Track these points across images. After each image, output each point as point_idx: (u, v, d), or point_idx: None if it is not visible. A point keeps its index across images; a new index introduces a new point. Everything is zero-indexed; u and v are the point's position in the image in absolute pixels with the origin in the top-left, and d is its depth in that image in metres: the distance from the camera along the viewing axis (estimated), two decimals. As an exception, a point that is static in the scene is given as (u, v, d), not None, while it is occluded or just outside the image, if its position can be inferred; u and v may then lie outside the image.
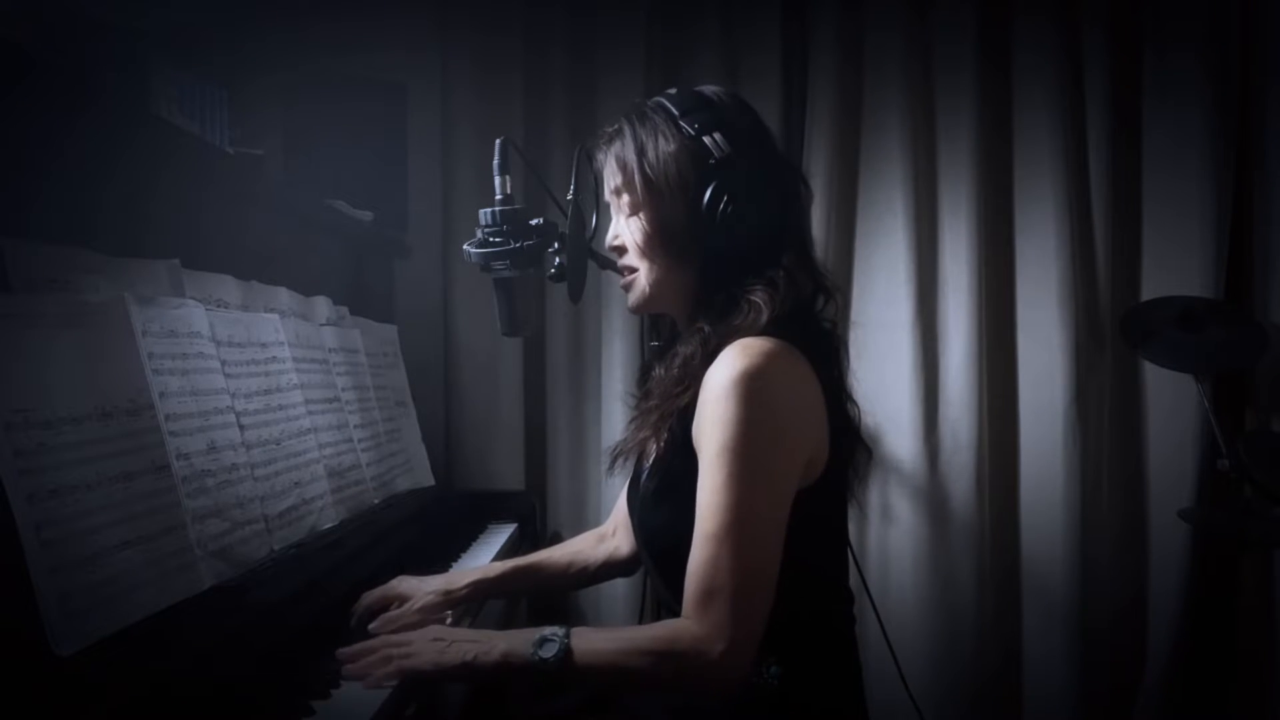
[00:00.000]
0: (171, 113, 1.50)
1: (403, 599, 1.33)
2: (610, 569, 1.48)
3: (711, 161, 1.14)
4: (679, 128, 1.16)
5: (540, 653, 1.05)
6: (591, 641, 1.06)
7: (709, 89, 1.24)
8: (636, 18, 2.34)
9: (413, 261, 2.30)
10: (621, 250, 1.24)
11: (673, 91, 1.21)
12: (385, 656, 1.10)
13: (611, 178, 1.22)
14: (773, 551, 1.05)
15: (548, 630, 1.07)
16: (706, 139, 1.15)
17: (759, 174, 1.16)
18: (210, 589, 1.06)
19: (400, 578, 1.39)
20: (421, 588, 1.35)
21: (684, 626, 1.04)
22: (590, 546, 1.50)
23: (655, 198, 1.17)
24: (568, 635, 1.06)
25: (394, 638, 1.15)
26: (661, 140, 1.17)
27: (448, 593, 1.35)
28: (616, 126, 1.22)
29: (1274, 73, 2.26)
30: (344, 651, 1.12)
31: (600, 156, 1.24)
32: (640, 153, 1.18)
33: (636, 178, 1.18)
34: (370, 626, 1.27)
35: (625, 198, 1.21)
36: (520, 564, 1.47)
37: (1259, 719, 2.29)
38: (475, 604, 1.42)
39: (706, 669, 1.02)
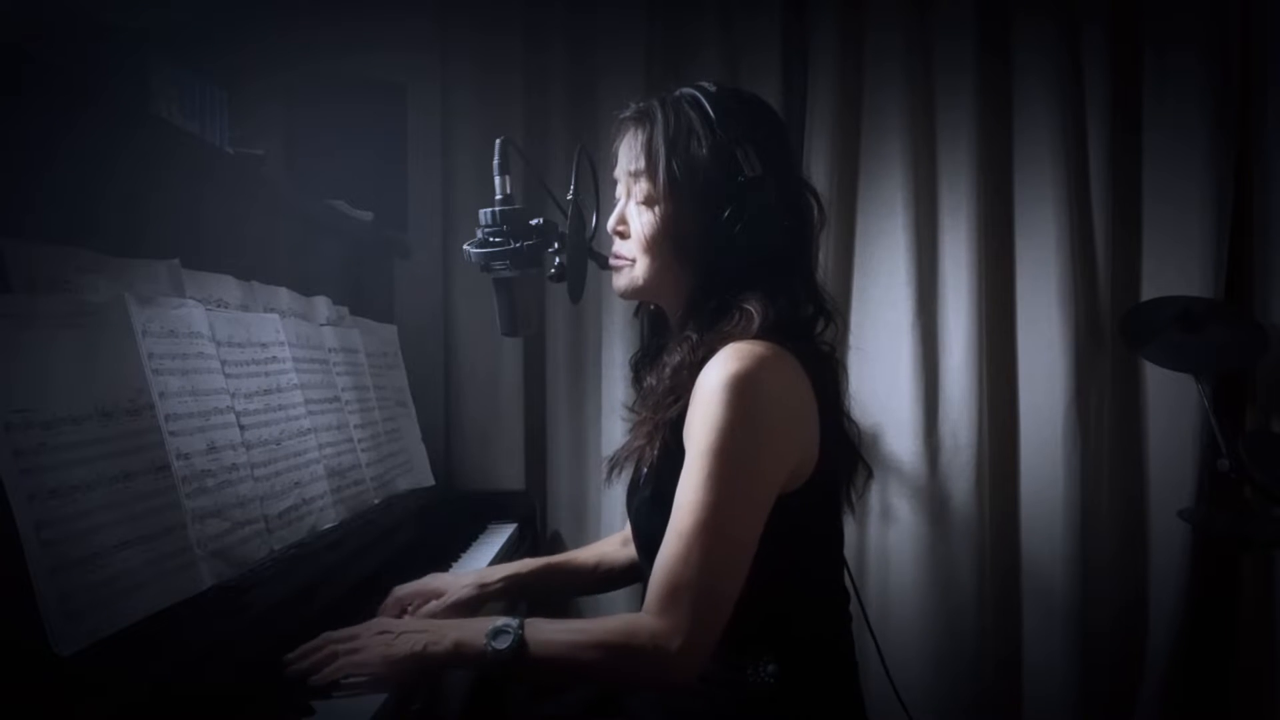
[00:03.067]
0: (171, 113, 1.50)
1: (437, 594, 1.33)
2: (635, 571, 1.48)
3: (740, 179, 1.13)
4: (714, 133, 1.14)
5: (494, 644, 1.04)
6: (546, 633, 1.06)
7: (746, 92, 1.22)
8: (636, 17, 2.34)
9: (413, 261, 2.30)
10: (624, 235, 1.23)
11: (712, 89, 1.18)
12: (331, 653, 1.08)
13: (632, 160, 1.20)
14: (743, 555, 1.05)
15: (501, 621, 1.06)
16: (739, 152, 1.13)
17: (781, 196, 1.15)
18: (210, 589, 1.06)
19: (434, 574, 1.39)
20: (456, 583, 1.35)
21: (642, 621, 1.04)
22: (615, 549, 1.50)
23: (674, 198, 1.16)
24: (521, 626, 1.05)
25: (339, 633, 1.11)
26: (694, 142, 1.15)
27: (482, 586, 1.35)
28: (646, 107, 1.20)
29: (1274, 72, 2.25)
30: (291, 655, 1.09)
31: (623, 132, 1.21)
32: (671, 148, 1.15)
33: (661, 172, 1.16)
34: (381, 606, 1.27)
35: (643, 186, 1.19)
36: (551, 562, 1.47)
37: (1259, 719, 2.29)
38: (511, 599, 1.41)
39: (660, 665, 1.02)
